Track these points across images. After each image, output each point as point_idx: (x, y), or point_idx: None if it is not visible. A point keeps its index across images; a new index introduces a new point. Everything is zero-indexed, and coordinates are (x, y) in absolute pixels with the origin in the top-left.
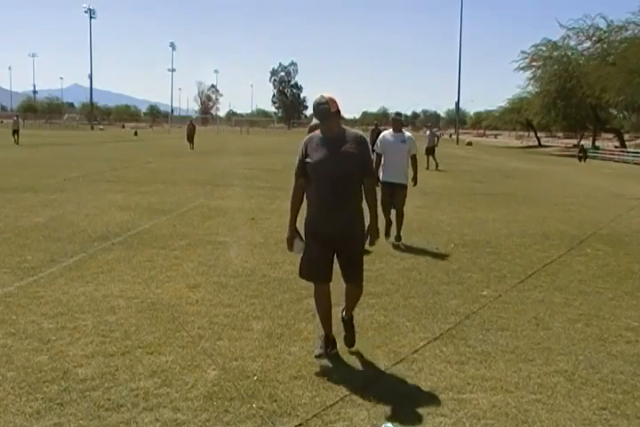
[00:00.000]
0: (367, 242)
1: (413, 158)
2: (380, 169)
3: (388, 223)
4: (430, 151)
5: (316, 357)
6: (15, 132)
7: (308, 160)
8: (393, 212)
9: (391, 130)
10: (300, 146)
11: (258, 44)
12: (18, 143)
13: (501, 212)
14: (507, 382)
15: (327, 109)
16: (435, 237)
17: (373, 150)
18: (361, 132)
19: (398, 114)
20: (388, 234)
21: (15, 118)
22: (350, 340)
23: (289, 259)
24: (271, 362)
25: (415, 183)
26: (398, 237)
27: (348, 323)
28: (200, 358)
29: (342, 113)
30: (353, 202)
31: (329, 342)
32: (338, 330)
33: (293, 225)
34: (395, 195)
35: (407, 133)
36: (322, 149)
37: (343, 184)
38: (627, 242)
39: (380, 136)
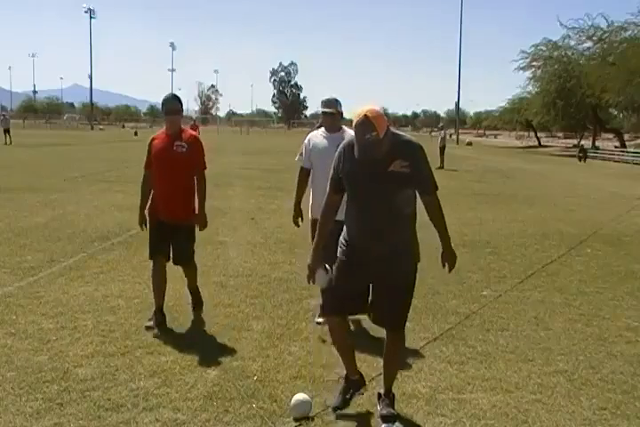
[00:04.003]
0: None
1: None
2: (310, 196)
3: None
4: (442, 150)
5: (333, 408)
6: (6, 131)
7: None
8: None
9: (323, 129)
10: (336, 154)
11: (258, 44)
12: (10, 143)
13: (501, 212)
14: (507, 382)
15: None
16: (434, 238)
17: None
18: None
19: (330, 103)
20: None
21: (2, 117)
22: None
23: (289, 259)
24: (271, 362)
25: None
26: None
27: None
28: (200, 358)
29: (342, 113)
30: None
31: (350, 382)
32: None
33: (319, 252)
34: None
35: (349, 133)
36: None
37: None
38: (627, 242)
39: (306, 139)
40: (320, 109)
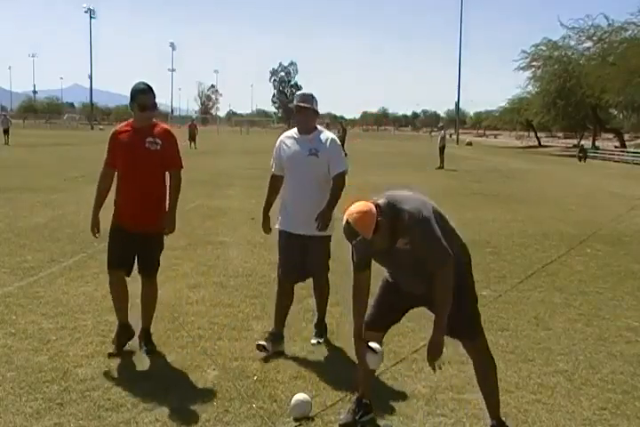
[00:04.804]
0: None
1: (337, 182)
2: (280, 206)
3: (281, 313)
4: (442, 150)
5: (340, 425)
6: (5, 131)
7: None
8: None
9: (296, 129)
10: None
11: (258, 44)
12: (8, 143)
13: (501, 212)
14: (507, 382)
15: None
16: None
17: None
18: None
19: (305, 97)
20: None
21: (3, 117)
22: None
23: None
24: (271, 362)
25: (322, 226)
26: (319, 332)
27: None
28: (200, 358)
29: (342, 113)
30: None
31: (361, 405)
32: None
33: (362, 338)
34: (305, 254)
35: (325, 134)
36: None
37: None
38: (627, 242)
39: (277, 141)
40: (294, 103)
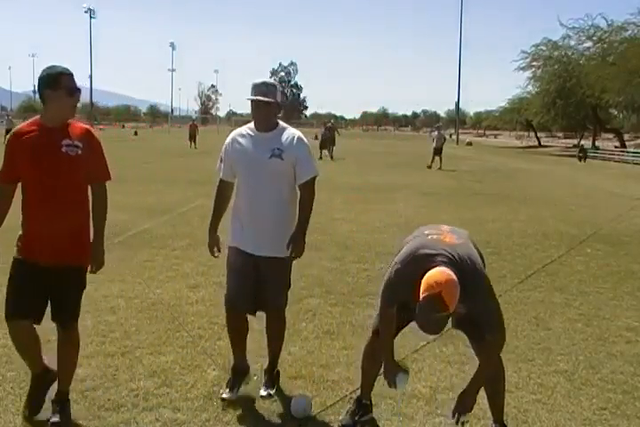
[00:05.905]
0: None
1: (307, 192)
2: (230, 216)
3: (238, 348)
4: (438, 151)
5: (340, 426)
6: (8, 131)
7: None
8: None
9: (252, 125)
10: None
11: (258, 44)
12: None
13: (501, 212)
14: (507, 382)
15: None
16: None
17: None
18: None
19: (265, 88)
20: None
21: (7, 117)
22: None
23: None
24: None
25: (296, 253)
26: (269, 381)
27: None
28: (200, 358)
29: (342, 113)
30: None
31: (360, 405)
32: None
33: (392, 360)
34: (260, 280)
35: (290, 131)
36: None
37: None
38: (627, 242)
39: (228, 139)
40: (249, 97)
